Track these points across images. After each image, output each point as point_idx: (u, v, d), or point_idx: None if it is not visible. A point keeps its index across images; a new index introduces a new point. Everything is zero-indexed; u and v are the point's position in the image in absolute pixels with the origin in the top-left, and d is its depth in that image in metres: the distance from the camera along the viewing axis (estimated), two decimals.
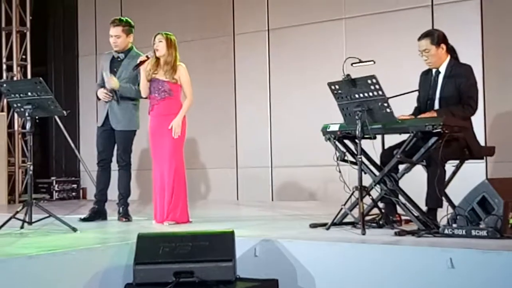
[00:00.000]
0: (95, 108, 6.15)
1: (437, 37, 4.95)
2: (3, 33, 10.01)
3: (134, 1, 9.89)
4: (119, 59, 6.00)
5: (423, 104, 5.05)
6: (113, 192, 6.11)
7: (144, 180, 8.66)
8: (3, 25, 10.00)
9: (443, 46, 4.95)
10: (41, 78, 5.20)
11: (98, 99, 6.04)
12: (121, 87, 5.86)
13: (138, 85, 5.82)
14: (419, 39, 5.00)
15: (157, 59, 5.63)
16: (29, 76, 9.85)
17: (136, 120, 6.03)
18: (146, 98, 5.78)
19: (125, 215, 5.96)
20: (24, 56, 10.02)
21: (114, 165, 6.11)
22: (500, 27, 7.20)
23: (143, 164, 8.81)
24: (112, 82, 5.85)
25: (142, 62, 5.60)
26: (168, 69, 5.59)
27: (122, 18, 6.10)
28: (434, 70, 5.03)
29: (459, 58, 5.04)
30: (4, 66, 9.96)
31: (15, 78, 9.64)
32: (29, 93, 5.19)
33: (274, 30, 8.77)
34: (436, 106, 4.95)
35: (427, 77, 5.10)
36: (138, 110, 6.03)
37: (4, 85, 5.40)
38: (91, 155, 6.18)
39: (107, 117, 5.94)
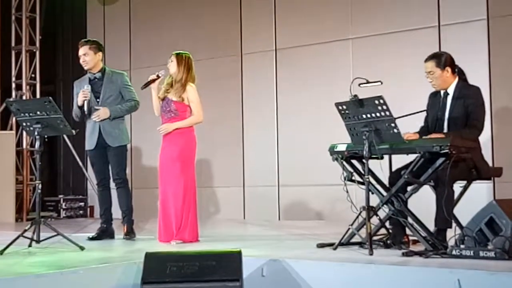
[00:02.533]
0: None
1: (443, 60, 4.96)
2: (13, 52, 10.10)
3: (143, 22, 9.97)
4: (96, 79, 6.04)
5: (432, 125, 5.06)
6: (117, 210, 6.13)
7: (148, 198, 8.67)
8: (13, 44, 10.09)
9: (448, 69, 4.95)
10: (50, 98, 5.23)
11: (83, 114, 5.95)
12: (112, 112, 5.91)
13: (123, 101, 5.96)
14: (426, 60, 5.02)
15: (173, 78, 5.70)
16: (38, 95, 9.93)
17: (126, 133, 6.11)
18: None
19: (129, 233, 5.96)
20: (33, 75, 10.11)
21: (112, 183, 6.13)
22: (507, 47, 7.23)
23: (143, 182, 8.84)
24: (102, 113, 5.89)
25: (152, 81, 5.64)
26: (178, 87, 5.63)
27: (89, 39, 6.20)
28: (442, 92, 5.04)
29: (467, 80, 5.05)
30: (14, 85, 10.04)
31: (24, 97, 9.71)
32: (38, 112, 5.22)
33: (281, 50, 8.82)
34: (445, 127, 4.95)
35: (435, 99, 5.11)
36: (124, 124, 6.09)
37: (14, 104, 5.44)
38: None
39: (99, 137, 5.95)
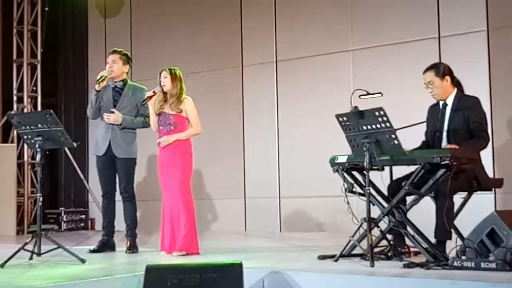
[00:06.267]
0: None
1: (442, 69, 4.99)
2: (14, 65, 10.12)
3: (144, 34, 10.01)
4: (116, 88, 6.09)
5: (431, 137, 5.07)
6: (121, 223, 6.13)
7: (149, 211, 8.67)
8: (14, 57, 10.11)
9: (448, 78, 4.98)
10: (51, 111, 5.24)
11: (95, 104, 6.02)
12: (123, 120, 5.94)
13: (138, 116, 6.01)
14: (424, 72, 5.05)
15: (165, 94, 5.73)
16: (39, 107, 9.94)
17: (136, 148, 6.11)
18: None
19: (131, 247, 5.96)
20: (34, 88, 10.11)
21: (118, 196, 6.14)
22: (507, 58, 7.23)
23: (147, 195, 8.83)
24: (114, 116, 5.93)
25: (149, 97, 5.70)
26: (173, 101, 5.69)
27: (121, 50, 6.26)
28: (441, 103, 5.05)
29: (464, 91, 5.06)
30: (15, 98, 10.05)
31: (25, 110, 9.72)
32: (40, 125, 5.24)
33: (282, 62, 8.84)
34: (444, 138, 4.96)
35: (434, 110, 5.12)
36: (135, 139, 6.10)
37: (15, 117, 5.46)
38: (99, 186, 6.19)
39: (109, 146, 5.98)
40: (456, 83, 5.03)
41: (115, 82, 6.10)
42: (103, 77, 5.92)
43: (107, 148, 5.99)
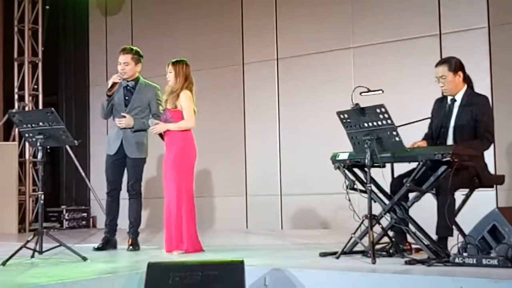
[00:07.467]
0: (106, 137, 6.19)
1: (454, 64, 4.96)
2: (16, 64, 10.13)
3: (144, 31, 10.01)
4: (128, 87, 6.07)
5: (436, 132, 5.04)
6: (124, 220, 6.14)
7: (153, 209, 8.68)
8: (15, 55, 10.12)
9: (460, 74, 4.95)
10: (53, 109, 5.24)
11: (106, 108, 6.03)
12: (135, 124, 5.93)
13: (149, 114, 5.98)
14: (437, 65, 5.02)
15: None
16: (40, 106, 9.95)
17: (146, 147, 6.11)
18: None
19: (133, 245, 5.96)
20: (35, 86, 10.12)
21: (123, 194, 6.14)
22: (508, 56, 7.23)
23: (152, 192, 8.84)
24: (126, 121, 5.92)
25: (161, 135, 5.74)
26: (173, 96, 5.64)
27: (132, 47, 6.21)
28: (449, 98, 5.03)
29: (474, 88, 5.04)
30: (16, 96, 10.06)
31: (26, 108, 9.73)
32: (41, 123, 5.24)
33: (283, 59, 8.84)
34: (450, 134, 4.94)
35: (441, 105, 5.09)
36: (146, 137, 6.10)
37: (16, 115, 5.46)
38: (101, 184, 6.21)
39: (120, 145, 5.98)
40: (467, 79, 5.01)
41: (127, 81, 6.06)
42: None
43: (118, 147, 5.99)
